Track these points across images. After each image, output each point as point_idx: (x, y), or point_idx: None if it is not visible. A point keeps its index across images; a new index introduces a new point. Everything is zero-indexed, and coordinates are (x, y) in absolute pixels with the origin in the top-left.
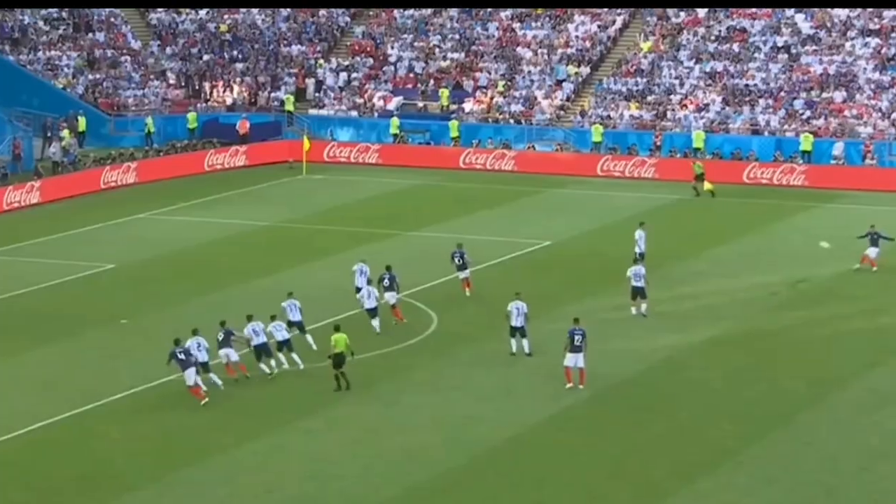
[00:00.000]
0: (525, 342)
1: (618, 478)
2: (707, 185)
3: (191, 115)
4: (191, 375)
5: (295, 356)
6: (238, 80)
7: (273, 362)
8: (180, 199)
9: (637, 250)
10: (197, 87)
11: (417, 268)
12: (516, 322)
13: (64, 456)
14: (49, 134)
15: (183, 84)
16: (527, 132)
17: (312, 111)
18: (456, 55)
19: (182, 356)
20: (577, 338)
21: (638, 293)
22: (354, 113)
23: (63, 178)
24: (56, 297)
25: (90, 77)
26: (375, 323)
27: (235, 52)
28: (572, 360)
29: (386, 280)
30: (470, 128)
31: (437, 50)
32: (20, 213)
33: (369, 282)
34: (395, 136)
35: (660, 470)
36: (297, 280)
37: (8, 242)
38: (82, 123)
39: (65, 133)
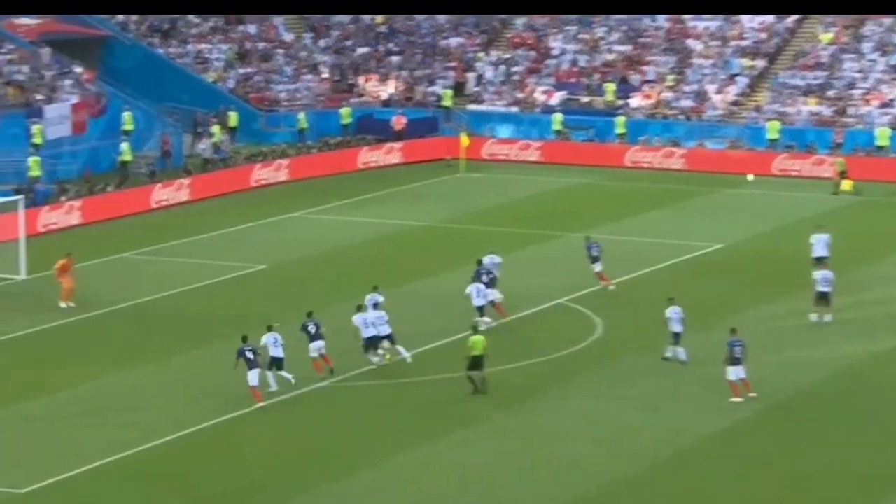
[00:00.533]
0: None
1: (793, 494)
2: (846, 185)
3: (344, 111)
4: (254, 377)
5: (400, 348)
6: (394, 74)
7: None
8: (333, 197)
9: (814, 255)
10: (351, 82)
11: (580, 271)
12: (677, 328)
13: (211, 464)
14: (199, 130)
15: (336, 78)
16: (697, 129)
17: (471, 106)
18: (622, 48)
19: (251, 354)
20: (736, 349)
21: (822, 299)
22: (515, 108)
23: (213, 176)
24: (206, 299)
25: (241, 71)
26: (486, 320)
27: (391, 45)
28: (734, 373)
29: (484, 276)
30: (637, 124)
31: (602, 42)
32: (169, 212)
33: (473, 277)
34: (558, 132)
35: (840, 487)
36: (453, 283)
37: (157, 242)
38: (234, 119)
39: (215, 129)
